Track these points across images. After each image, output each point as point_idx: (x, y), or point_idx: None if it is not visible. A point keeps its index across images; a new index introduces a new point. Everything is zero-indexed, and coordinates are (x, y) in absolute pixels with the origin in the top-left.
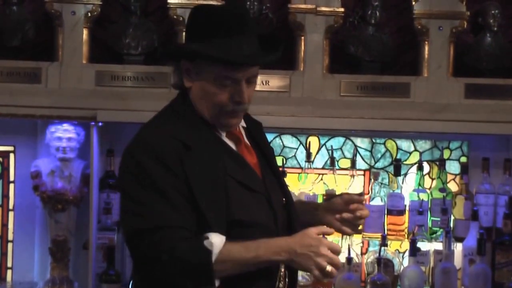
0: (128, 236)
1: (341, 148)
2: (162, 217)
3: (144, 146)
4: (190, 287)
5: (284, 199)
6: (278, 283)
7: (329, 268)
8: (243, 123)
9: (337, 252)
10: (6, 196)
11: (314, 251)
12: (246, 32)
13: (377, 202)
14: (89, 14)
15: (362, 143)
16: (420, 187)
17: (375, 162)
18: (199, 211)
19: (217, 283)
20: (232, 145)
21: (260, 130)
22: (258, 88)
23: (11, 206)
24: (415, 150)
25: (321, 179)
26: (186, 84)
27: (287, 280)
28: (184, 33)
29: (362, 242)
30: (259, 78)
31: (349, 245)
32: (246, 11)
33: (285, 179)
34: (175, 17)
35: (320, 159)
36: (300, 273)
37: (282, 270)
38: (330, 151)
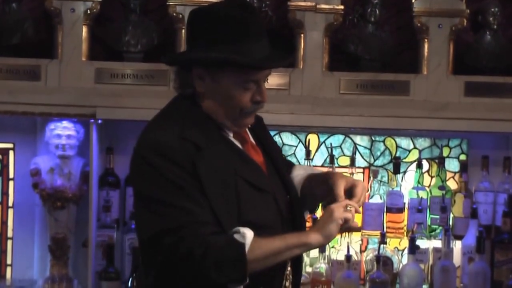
0: (150, 238)
1: (340, 146)
2: (186, 213)
3: (155, 147)
4: (223, 281)
5: (288, 196)
6: (285, 282)
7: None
8: None
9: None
10: (5, 193)
11: (332, 216)
12: (259, 35)
13: (376, 200)
14: (89, 12)
15: (362, 141)
16: (419, 185)
17: (375, 160)
18: (212, 212)
19: (247, 279)
20: (238, 145)
21: (262, 125)
22: None
23: (10, 204)
24: (415, 148)
25: None
26: (199, 89)
27: (291, 277)
28: (183, 32)
29: (361, 240)
30: None
31: (348, 243)
32: (256, 14)
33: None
34: (174, 14)
35: (320, 157)
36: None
37: (289, 269)
38: (329, 149)
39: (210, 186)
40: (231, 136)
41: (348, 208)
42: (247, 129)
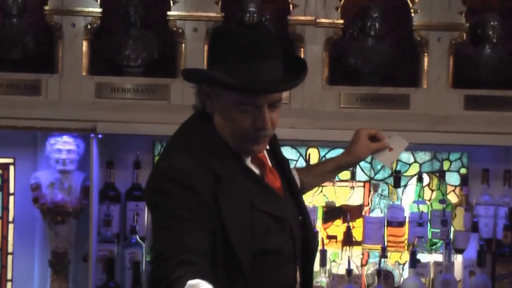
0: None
1: None
2: (181, 246)
3: (177, 174)
4: None
5: (300, 217)
6: None
7: None
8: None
9: None
10: (6, 208)
11: None
12: (265, 57)
13: (377, 213)
14: (89, 26)
15: None
16: (420, 199)
17: (375, 174)
18: (227, 242)
19: None
20: (256, 169)
21: (277, 143)
22: None
23: (11, 218)
24: (415, 161)
25: (321, 191)
26: (208, 109)
27: None
28: (183, 46)
29: (362, 254)
30: None
31: (349, 257)
32: (266, 35)
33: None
34: (174, 29)
35: None
36: None
37: None
38: None
39: (229, 220)
40: (248, 161)
41: None
42: (265, 152)
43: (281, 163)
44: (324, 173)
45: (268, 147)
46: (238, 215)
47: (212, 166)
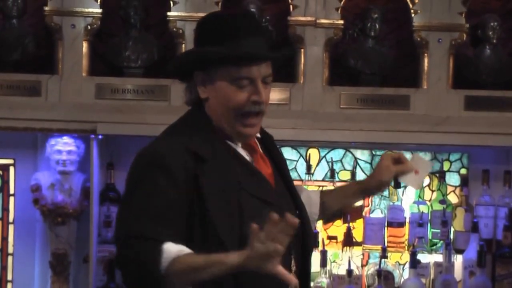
0: (115, 239)
1: (341, 160)
2: (149, 228)
3: (153, 156)
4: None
5: (297, 211)
6: None
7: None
8: (258, 134)
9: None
10: (6, 209)
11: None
12: (255, 33)
13: (377, 214)
14: (89, 27)
15: (362, 155)
16: (420, 199)
17: None
18: (211, 225)
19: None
20: (247, 155)
21: (273, 142)
22: None
23: (11, 220)
24: None
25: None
26: (202, 95)
27: None
28: (183, 47)
29: (362, 254)
30: None
31: (349, 258)
32: (254, 15)
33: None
34: (175, 30)
35: (320, 171)
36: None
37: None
38: (330, 163)
39: (212, 200)
40: (239, 146)
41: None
42: (256, 141)
43: (278, 162)
44: (346, 195)
45: (259, 135)
46: (223, 196)
47: (192, 147)
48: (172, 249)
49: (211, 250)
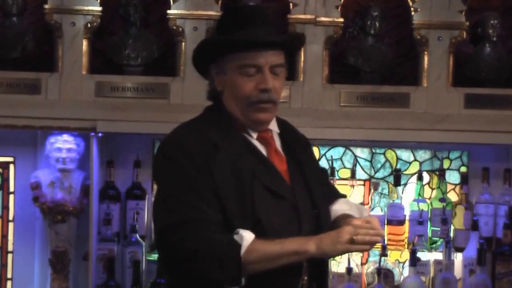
0: (160, 232)
1: (341, 158)
2: (192, 210)
3: (175, 145)
4: (217, 279)
5: (316, 210)
6: None
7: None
8: (276, 128)
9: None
10: (6, 207)
11: (339, 235)
12: (264, 23)
13: (377, 212)
14: (89, 25)
15: (362, 153)
16: (420, 197)
17: (375, 172)
18: (224, 212)
19: (243, 281)
20: (262, 149)
21: (298, 141)
22: None
23: (11, 217)
24: (415, 160)
25: None
26: (218, 87)
27: None
28: (183, 45)
29: (362, 252)
30: None
31: (348, 256)
32: (263, 8)
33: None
34: (174, 28)
35: None
36: None
37: (305, 278)
38: (330, 161)
39: (224, 186)
40: (254, 138)
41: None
42: (275, 136)
43: (302, 162)
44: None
45: (278, 130)
46: (235, 183)
47: (210, 136)
48: (246, 235)
49: None
